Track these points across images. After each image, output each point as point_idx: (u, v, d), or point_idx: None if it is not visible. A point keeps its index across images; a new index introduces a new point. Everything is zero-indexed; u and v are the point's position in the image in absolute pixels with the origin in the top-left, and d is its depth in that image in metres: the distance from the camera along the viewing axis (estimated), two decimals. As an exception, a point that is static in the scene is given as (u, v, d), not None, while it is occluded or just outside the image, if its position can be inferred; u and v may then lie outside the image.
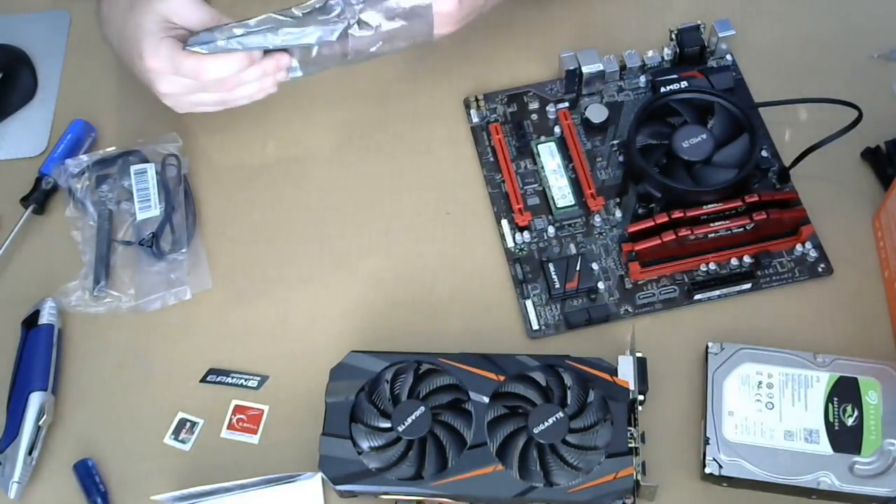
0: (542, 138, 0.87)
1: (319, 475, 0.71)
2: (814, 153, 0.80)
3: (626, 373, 0.71)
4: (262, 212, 0.86)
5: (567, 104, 0.88)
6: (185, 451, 0.75)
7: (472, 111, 0.89)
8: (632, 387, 0.70)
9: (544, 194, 0.84)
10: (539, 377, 0.71)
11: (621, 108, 0.88)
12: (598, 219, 0.82)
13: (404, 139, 0.89)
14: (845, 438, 0.69)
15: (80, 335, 0.80)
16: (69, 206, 0.85)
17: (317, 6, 0.76)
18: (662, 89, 0.83)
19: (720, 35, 0.88)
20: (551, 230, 0.82)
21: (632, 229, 0.78)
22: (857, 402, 0.70)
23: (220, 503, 0.71)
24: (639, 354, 0.72)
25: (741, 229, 0.77)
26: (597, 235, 0.82)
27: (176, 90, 0.77)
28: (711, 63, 0.90)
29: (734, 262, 0.80)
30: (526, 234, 0.82)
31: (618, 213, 0.83)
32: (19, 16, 0.99)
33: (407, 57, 0.89)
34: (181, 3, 0.75)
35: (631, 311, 0.79)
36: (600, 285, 0.79)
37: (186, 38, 0.76)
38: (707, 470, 0.69)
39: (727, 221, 0.76)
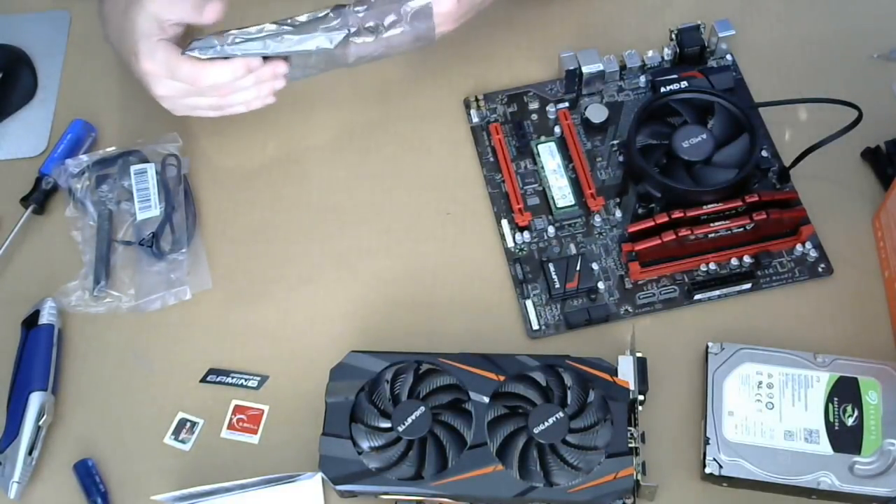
0: (542, 138, 0.87)
1: (319, 475, 0.71)
2: (814, 153, 0.80)
3: (626, 373, 0.71)
4: (262, 212, 0.86)
5: (567, 104, 0.88)
6: (185, 451, 0.75)
7: (472, 111, 0.89)
8: (632, 387, 0.70)
9: (544, 194, 0.84)
10: (539, 377, 0.71)
11: (621, 108, 0.88)
12: (598, 219, 0.82)
13: (404, 139, 0.89)
14: (845, 438, 0.69)
15: (80, 335, 0.80)
16: (69, 206, 0.85)
17: (318, 15, 0.76)
18: (662, 89, 0.83)
19: (720, 35, 0.88)
20: (551, 230, 0.82)
21: (632, 229, 0.78)
22: (858, 402, 0.70)
23: (220, 503, 0.71)
24: (639, 354, 0.72)
25: (741, 229, 0.77)
26: (597, 235, 0.82)
27: (172, 93, 0.77)
28: (711, 63, 0.90)
29: (734, 262, 0.80)
30: (526, 234, 0.82)
31: (618, 213, 0.83)
32: (19, 16, 0.99)
33: (407, 57, 0.89)
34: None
35: (631, 311, 0.79)
36: (600, 285, 0.79)
37: (183, 40, 0.76)
38: (707, 470, 0.69)
39: (727, 221, 0.76)
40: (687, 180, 0.78)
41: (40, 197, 0.86)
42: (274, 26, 0.76)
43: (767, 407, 0.71)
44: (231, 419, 0.76)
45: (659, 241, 0.76)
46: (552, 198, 0.83)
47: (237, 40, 0.75)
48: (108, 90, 0.92)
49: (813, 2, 0.94)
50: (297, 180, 0.87)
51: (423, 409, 0.70)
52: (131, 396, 0.78)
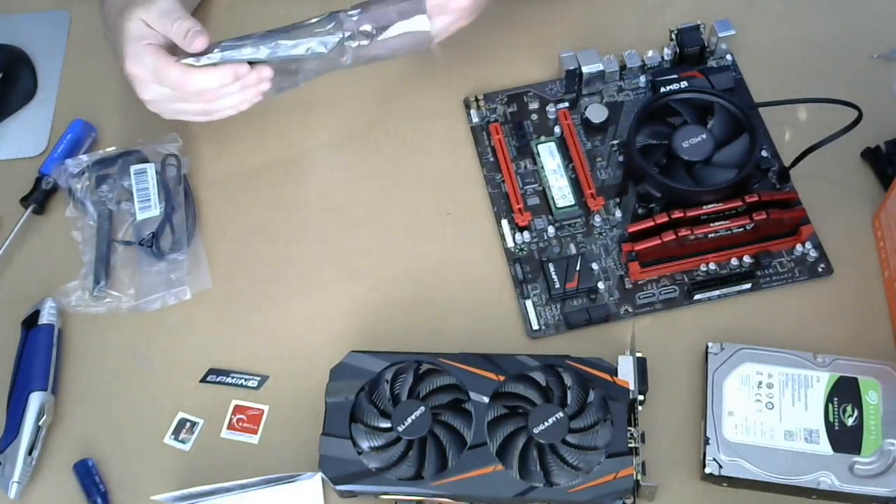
0: (542, 138, 0.87)
1: (319, 475, 0.71)
2: (814, 153, 0.80)
3: (626, 373, 0.71)
4: (262, 212, 0.86)
5: (567, 104, 0.88)
6: (185, 451, 0.75)
7: (472, 111, 0.89)
8: (632, 387, 0.70)
9: (544, 194, 0.84)
10: (539, 377, 0.71)
11: (621, 108, 0.88)
12: (598, 219, 0.82)
13: (404, 139, 0.89)
14: (845, 438, 0.69)
15: (80, 335, 0.80)
16: (69, 206, 0.85)
17: (313, 20, 0.76)
18: (662, 89, 0.83)
19: (720, 35, 0.88)
20: (551, 230, 0.82)
21: (632, 229, 0.78)
22: (857, 402, 0.70)
23: (220, 503, 0.71)
24: (639, 354, 0.72)
25: (741, 229, 0.77)
26: (597, 235, 0.82)
27: (158, 98, 0.77)
28: (711, 63, 0.90)
29: (734, 262, 0.80)
30: (526, 234, 0.82)
31: (618, 213, 0.83)
32: (19, 16, 0.99)
33: (407, 58, 0.89)
34: (159, 12, 0.75)
35: (631, 311, 0.79)
36: (600, 285, 0.79)
37: (174, 46, 0.75)
38: (707, 470, 0.69)
39: (727, 221, 0.76)
40: (687, 180, 0.78)
41: (40, 197, 0.86)
42: (268, 32, 0.76)
43: (767, 407, 0.71)
44: (231, 419, 0.76)
45: (659, 241, 0.76)
46: (552, 198, 0.83)
47: (232, 47, 0.75)
48: (108, 90, 0.92)
49: (813, 2, 0.94)
50: (297, 180, 0.87)
51: (423, 409, 0.70)
52: (131, 396, 0.78)
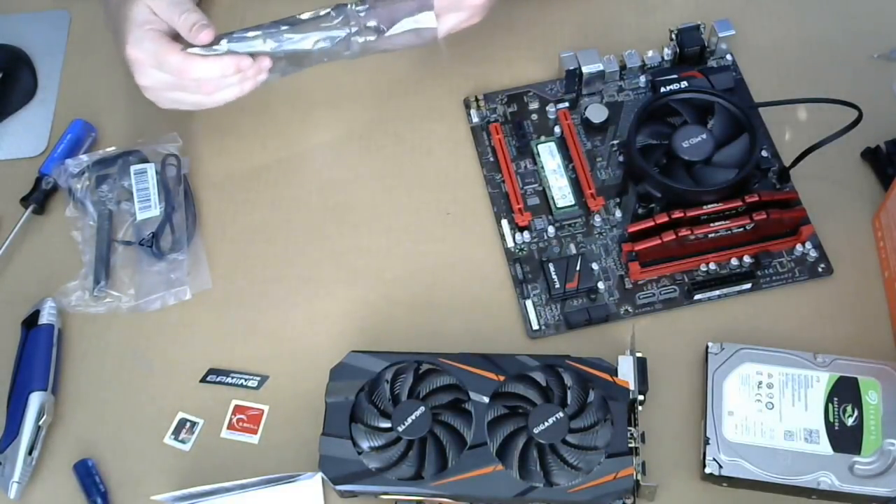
0: (542, 138, 0.87)
1: (319, 475, 0.71)
2: (814, 153, 0.80)
3: (626, 373, 0.71)
4: (262, 212, 0.86)
5: (567, 104, 0.88)
6: (185, 451, 0.75)
7: (472, 111, 0.89)
8: (632, 387, 0.70)
9: (544, 194, 0.84)
10: (539, 377, 0.71)
11: (621, 108, 0.88)
12: (598, 219, 0.82)
13: (404, 139, 0.89)
14: (845, 438, 0.69)
15: (80, 335, 0.80)
16: (69, 206, 0.85)
17: (320, 13, 0.76)
18: (662, 89, 0.83)
19: (720, 35, 0.88)
20: (551, 230, 0.82)
21: (632, 229, 0.78)
22: (857, 402, 0.70)
23: (220, 503, 0.71)
24: (639, 354, 0.72)
25: (741, 229, 0.77)
26: (597, 235, 0.82)
27: (155, 85, 0.77)
28: (711, 63, 0.90)
29: (734, 262, 0.80)
30: (526, 234, 0.82)
31: (618, 213, 0.83)
32: (19, 16, 0.99)
33: (407, 57, 0.89)
34: (168, 2, 0.74)
35: (631, 311, 0.79)
36: (600, 285, 0.79)
37: (173, 35, 0.75)
38: (707, 470, 0.69)
39: (727, 221, 0.76)
40: (687, 180, 0.78)
41: (40, 197, 0.86)
42: (275, 25, 0.76)
43: (767, 407, 0.71)
44: (231, 419, 0.76)
45: (659, 241, 0.76)
46: (552, 198, 0.83)
47: (239, 39, 0.75)
48: (108, 90, 0.92)
49: (813, 2, 0.94)
50: (297, 180, 0.87)
51: (423, 409, 0.70)
52: (131, 396, 0.78)
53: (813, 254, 0.80)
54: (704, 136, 0.79)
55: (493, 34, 0.92)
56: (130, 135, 0.89)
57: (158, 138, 0.88)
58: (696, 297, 0.78)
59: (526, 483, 0.68)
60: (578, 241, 0.82)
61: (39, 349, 0.77)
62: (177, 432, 0.76)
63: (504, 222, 0.83)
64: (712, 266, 0.79)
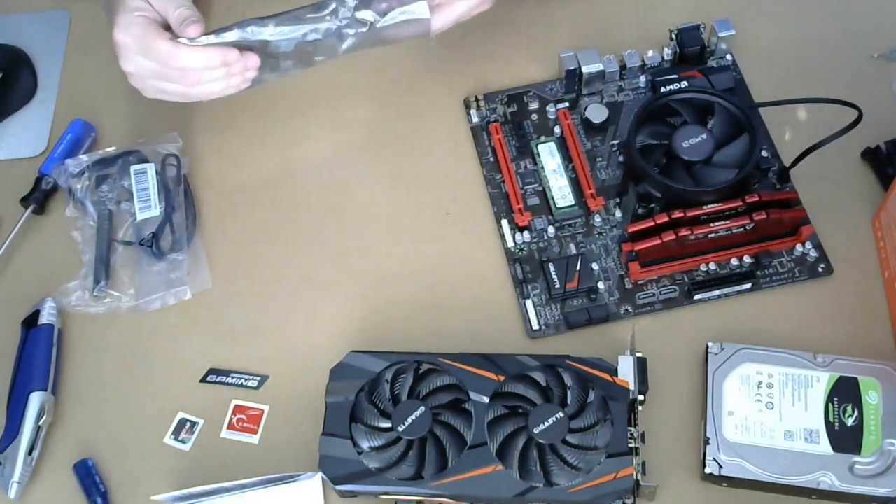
0: (542, 138, 0.87)
1: (319, 475, 0.71)
2: (814, 153, 0.80)
3: (626, 373, 0.71)
4: (262, 212, 0.86)
5: (567, 104, 0.88)
6: (185, 451, 0.75)
7: (472, 111, 0.89)
8: (632, 387, 0.70)
9: (544, 194, 0.84)
10: (539, 377, 0.71)
11: (621, 108, 0.88)
12: (598, 219, 0.82)
13: (404, 139, 0.89)
14: (845, 438, 0.69)
15: (80, 335, 0.80)
16: (69, 206, 0.85)
17: (311, 6, 0.76)
18: (662, 89, 0.83)
19: (720, 35, 0.88)
20: (551, 230, 0.82)
21: (632, 229, 0.78)
22: (857, 402, 0.70)
23: (220, 503, 0.71)
24: (639, 354, 0.72)
25: (741, 229, 0.77)
26: (597, 235, 0.82)
27: (140, 71, 0.76)
28: (711, 63, 0.90)
29: (734, 262, 0.80)
30: (526, 234, 0.82)
31: (618, 213, 0.83)
32: (19, 16, 0.99)
33: (407, 56, 0.89)
34: None
35: (631, 311, 0.79)
36: (600, 285, 0.79)
37: (164, 25, 0.75)
38: (707, 470, 0.69)
39: (727, 221, 0.76)
40: (687, 180, 0.78)
41: (40, 197, 0.86)
42: (264, 18, 0.75)
43: (767, 407, 0.71)
44: (231, 419, 0.76)
45: (659, 241, 0.76)
46: (552, 198, 0.83)
47: (229, 29, 0.74)
48: (108, 90, 0.92)
49: (813, 2, 0.94)
50: (297, 180, 0.87)
51: (423, 409, 0.70)
52: (131, 396, 0.78)
53: (813, 254, 0.80)
54: (704, 136, 0.79)
55: (493, 34, 0.92)
56: (130, 135, 0.89)
57: (158, 138, 0.88)
58: (696, 297, 0.78)
59: (526, 483, 0.68)
60: (578, 241, 0.82)
61: (39, 349, 0.77)
62: (177, 432, 0.76)
63: (504, 222, 0.83)
64: (712, 266, 0.79)
